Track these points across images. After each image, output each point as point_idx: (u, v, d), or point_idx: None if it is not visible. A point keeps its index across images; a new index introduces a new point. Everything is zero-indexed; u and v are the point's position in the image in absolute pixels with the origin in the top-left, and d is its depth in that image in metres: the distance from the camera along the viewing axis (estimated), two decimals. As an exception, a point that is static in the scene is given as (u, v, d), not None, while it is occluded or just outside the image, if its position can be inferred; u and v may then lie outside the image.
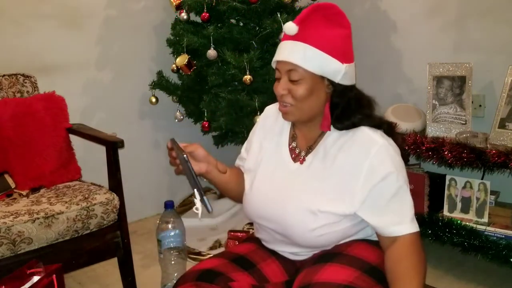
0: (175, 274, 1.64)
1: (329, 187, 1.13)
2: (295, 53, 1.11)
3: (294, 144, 1.24)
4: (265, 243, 1.27)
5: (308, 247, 1.18)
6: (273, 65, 1.19)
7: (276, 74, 1.17)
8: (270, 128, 1.30)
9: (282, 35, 2.12)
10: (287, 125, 1.28)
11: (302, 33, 1.11)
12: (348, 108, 1.15)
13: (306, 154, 1.20)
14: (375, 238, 1.19)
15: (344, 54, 1.13)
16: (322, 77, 1.13)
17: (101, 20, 2.60)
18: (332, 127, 1.17)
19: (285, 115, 1.18)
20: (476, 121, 2.16)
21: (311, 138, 1.21)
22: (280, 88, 1.14)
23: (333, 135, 1.17)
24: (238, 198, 1.33)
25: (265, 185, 1.23)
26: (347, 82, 1.15)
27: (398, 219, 1.10)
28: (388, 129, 1.18)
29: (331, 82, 1.14)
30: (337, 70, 1.12)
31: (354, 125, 1.15)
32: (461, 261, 2.15)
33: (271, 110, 1.34)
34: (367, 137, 1.13)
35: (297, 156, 1.22)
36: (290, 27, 1.12)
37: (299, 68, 1.11)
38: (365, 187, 1.10)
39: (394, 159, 1.11)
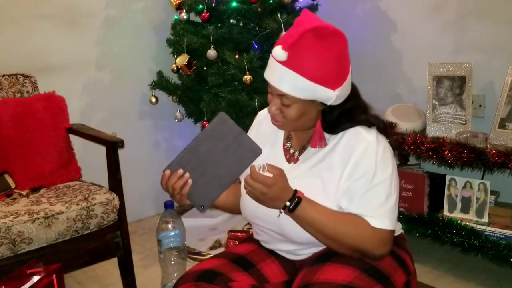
0: (175, 274, 1.64)
1: (318, 183, 1.14)
2: (285, 81, 1.07)
3: (288, 145, 1.25)
4: (264, 243, 1.27)
5: (304, 243, 1.18)
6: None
7: (268, 89, 1.15)
8: (264, 130, 1.31)
9: (283, 35, 2.16)
10: None
11: (293, 59, 1.06)
12: (340, 120, 1.15)
13: (300, 154, 1.22)
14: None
15: (336, 79, 1.09)
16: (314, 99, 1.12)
17: (101, 20, 2.59)
18: None
19: (278, 127, 1.20)
20: (476, 121, 2.15)
21: (305, 138, 1.22)
22: (273, 107, 1.14)
23: (326, 133, 1.18)
24: (238, 210, 1.33)
25: None
26: (339, 101, 1.13)
27: (367, 213, 1.10)
28: (384, 128, 1.18)
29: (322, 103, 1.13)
30: (328, 97, 1.10)
31: (345, 129, 1.15)
32: (461, 261, 2.15)
33: (264, 113, 1.34)
34: (357, 134, 1.14)
35: (291, 156, 1.23)
36: (278, 54, 1.06)
37: (289, 95, 1.09)
38: (347, 181, 1.12)
39: (378, 157, 1.11)
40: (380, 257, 1.11)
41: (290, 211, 1.08)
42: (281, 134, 1.28)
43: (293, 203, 1.07)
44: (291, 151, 1.24)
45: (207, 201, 1.15)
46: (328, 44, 1.07)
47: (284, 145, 1.26)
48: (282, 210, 1.09)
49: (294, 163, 1.21)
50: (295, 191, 1.09)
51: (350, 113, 1.15)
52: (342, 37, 1.09)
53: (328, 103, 1.11)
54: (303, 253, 1.20)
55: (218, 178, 1.12)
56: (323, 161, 1.16)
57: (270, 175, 1.06)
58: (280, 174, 1.08)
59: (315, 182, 1.15)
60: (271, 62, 1.10)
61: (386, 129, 1.19)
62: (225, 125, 1.08)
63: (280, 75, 1.08)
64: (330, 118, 1.15)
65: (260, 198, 1.08)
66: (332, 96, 1.09)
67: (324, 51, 1.07)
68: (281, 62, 1.07)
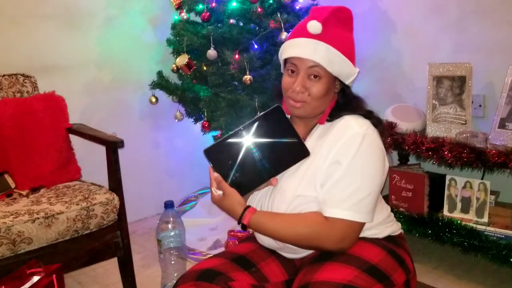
0: (175, 274, 1.64)
1: (310, 173, 1.16)
2: (319, 52, 1.14)
3: None
4: (262, 241, 1.27)
5: None
6: (283, 60, 1.22)
7: (290, 69, 1.19)
8: None
9: (283, 35, 2.16)
10: None
11: (324, 33, 1.15)
12: (345, 106, 1.21)
13: None
14: (372, 235, 1.19)
15: (354, 57, 1.20)
16: (335, 78, 1.18)
17: (101, 20, 2.60)
18: None
19: (296, 110, 1.21)
20: (476, 121, 2.16)
21: (306, 131, 1.25)
22: (298, 85, 1.17)
23: (324, 125, 1.22)
24: None
25: None
26: (352, 84, 1.22)
27: (329, 201, 1.11)
28: (378, 124, 1.20)
29: (340, 82, 1.21)
30: (351, 73, 1.19)
31: (341, 116, 1.19)
32: (461, 261, 2.15)
33: None
34: (346, 124, 1.16)
35: None
36: (315, 26, 1.14)
37: (320, 67, 1.15)
38: (325, 165, 1.14)
39: (362, 148, 1.12)
40: (338, 250, 1.12)
41: (242, 229, 1.17)
42: None
43: (241, 226, 1.16)
44: None
45: (242, 193, 1.17)
46: (347, 26, 1.20)
47: None
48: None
49: None
50: (243, 212, 1.15)
51: (353, 100, 1.23)
52: (353, 25, 1.22)
53: (347, 81, 1.19)
54: (299, 251, 1.20)
55: (258, 171, 1.16)
56: (316, 151, 1.18)
57: (221, 193, 1.16)
58: (226, 195, 1.16)
59: (307, 172, 1.16)
60: (299, 40, 1.17)
61: (380, 124, 1.20)
62: (280, 120, 1.14)
63: (313, 47, 1.14)
64: (341, 101, 1.22)
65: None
66: (354, 72, 1.19)
67: (349, 29, 1.21)
68: (313, 36, 1.15)
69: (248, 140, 1.15)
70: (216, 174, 1.15)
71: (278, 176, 1.19)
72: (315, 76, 1.16)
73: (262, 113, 1.16)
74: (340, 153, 1.12)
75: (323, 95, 1.17)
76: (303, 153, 1.16)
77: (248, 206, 1.16)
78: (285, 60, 1.22)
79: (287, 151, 1.16)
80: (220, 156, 1.15)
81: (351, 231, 1.12)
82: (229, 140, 1.15)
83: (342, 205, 1.10)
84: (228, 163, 1.15)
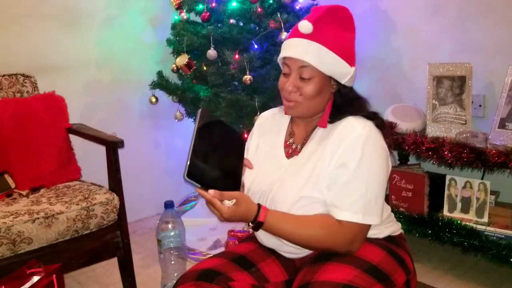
0: (175, 274, 1.64)
1: (313, 174, 1.15)
2: (310, 52, 1.14)
3: (291, 141, 1.27)
4: (262, 241, 1.27)
5: None
6: (280, 60, 1.22)
7: (285, 70, 1.20)
8: (266, 130, 1.34)
9: (283, 35, 2.16)
10: (284, 124, 1.31)
11: (317, 33, 1.14)
12: (345, 107, 1.20)
13: (301, 147, 1.24)
14: (372, 235, 1.19)
15: (352, 57, 1.18)
16: (330, 77, 1.17)
17: (101, 20, 2.60)
18: None
19: (289, 110, 1.21)
20: (476, 121, 2.16)
21: (307, 132, 1.25)
22: (290, 85, 1.17)
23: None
24: None
25: (259, 182, 1.25)
26: (350, 83, 1.20)
27: (339, 204, 1.11)
28: (381, 124, 1.19)
29: (337, 82, 1.19)
30: (345, 73, 1.17)
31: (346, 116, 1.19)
32: (461, 261, 2.15)
33: (266, 114, 1.38)
34: (349, 125, 1.15)
35: (294, 151, 1.25)
36: (306, 26, 1.14)
37: (311, 67, 1.14)
38: (331, 168, 1.13)
39: (366, 150, 1.11)
40: (347, 252, 1.12)
41: (254, 229, 1.14)
42: (283, 131, 1.30)
43: (255, 225, 1.12)
44: (294, 146, 1.26)
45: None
46: (348, 24, 1.19)
47: (286, 141, 1.28)
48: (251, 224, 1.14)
49: (297, 154, 1.23)
50: (259, 210, 1.11)
51: (355, 101, 1.21)
52: (354, 24, 1.21)
53: (343, 81, 1.17)
54: (303, 249, 1.20)
55: (232, 165, 1.19)
56: (318, 153, 1.17)
57: (231, 203, 1.09)
58: (239, 198, 1.10)
59: (312, 174, 1.16)
60: (292, 40, 1.17)
61: (383, 126, 1.20)
62: (209, 118, 1.18)
63: (304, 47, 1.14)
64: (338, 101, 1.20)
65: (222, 221, 1.13)
66: (349, 72, 1.17)
67: (345, 28, 1.18)
68: (305, 36, 1.14)
69: (205, 149, 1.13)
70: (211, 191, 1.09)
71: (280, 181, 1.20)
72: (306, 78, 1.15)
73: (195, 124, 1.15)
74: (344, 156, 1.11)
75: (315, 95, 1.17)
76: (238, 132, 1.27)
77: (259, 209, 1.12)
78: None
79: (230, 137, 1.25)
80: (200, 174, 1.11)
81: (361, 233, 1.13)
82: (195, 158, 1.11)
83: (352, 208, 1.10)
84: (210, 176, 1.13)
